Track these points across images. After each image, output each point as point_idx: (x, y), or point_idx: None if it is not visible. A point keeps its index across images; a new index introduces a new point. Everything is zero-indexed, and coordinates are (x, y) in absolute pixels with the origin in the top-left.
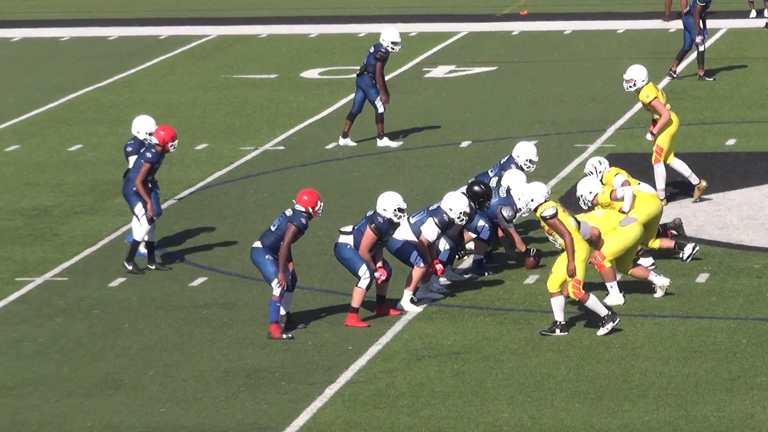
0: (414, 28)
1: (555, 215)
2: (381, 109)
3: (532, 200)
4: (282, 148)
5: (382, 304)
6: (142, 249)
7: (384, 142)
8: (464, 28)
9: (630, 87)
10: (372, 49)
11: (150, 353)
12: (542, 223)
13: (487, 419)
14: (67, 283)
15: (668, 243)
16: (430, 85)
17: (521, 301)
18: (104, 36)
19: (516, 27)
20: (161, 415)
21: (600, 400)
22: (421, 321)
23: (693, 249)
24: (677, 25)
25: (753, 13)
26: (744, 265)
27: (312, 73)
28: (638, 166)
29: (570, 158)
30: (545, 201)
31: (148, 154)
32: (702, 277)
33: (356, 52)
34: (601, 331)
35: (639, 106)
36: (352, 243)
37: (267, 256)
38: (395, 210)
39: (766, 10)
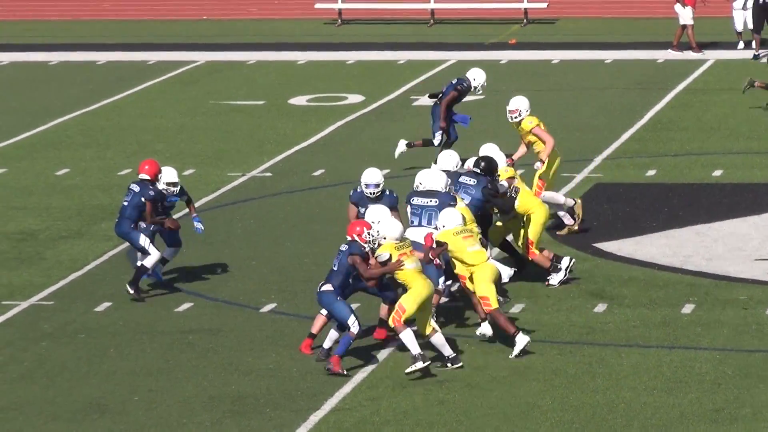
0: (402, 56)
1: (387, 260)
2: (436, 141)
3: (385, 238)
4: (269, 174)
5: (382, 328)
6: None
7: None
8: (453, 56)
9: (515, 117)
10: (455, 80)
11: (135, 378)
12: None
13: None
14: (53, 307)
15: (545, 260)
16: (417, 113)
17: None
18: (93, 60)
19: (504, 56)
20: None
21: (584, 430)
22: (407, 349)
23: (570, 261)
24: (671, 55)
25: (741, 45)
26: (730, 296)
27: (300, 100)
28: (625, 196)
29: (557, 188)
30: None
31: (151, 192)
32: (688, 308)
33: (344, 79)
34: (409, 369)
35: (627, 136)
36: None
37: (338, 298)
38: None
39: (754, 42)
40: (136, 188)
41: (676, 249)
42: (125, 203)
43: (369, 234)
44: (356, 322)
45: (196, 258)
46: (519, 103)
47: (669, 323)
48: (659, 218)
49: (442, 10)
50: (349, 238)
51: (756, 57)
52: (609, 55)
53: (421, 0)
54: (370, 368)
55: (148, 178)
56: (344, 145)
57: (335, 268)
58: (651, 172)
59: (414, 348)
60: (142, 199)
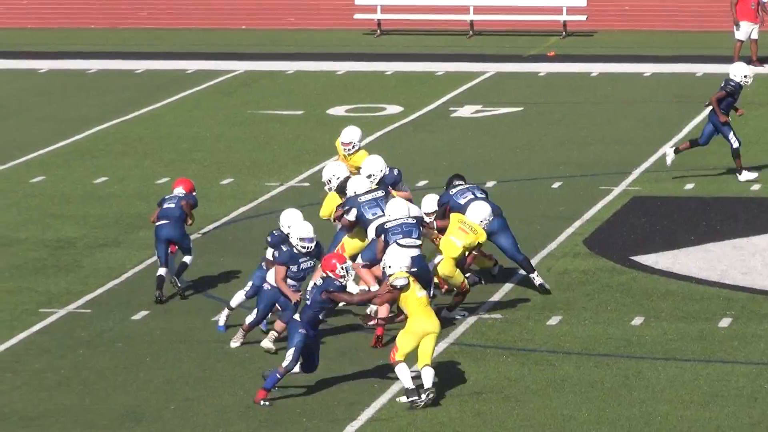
0: (441, 67)
1: (403, 288)
2: (735, 144)
3: (389, 266)
4: (307, 184)
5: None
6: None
7: (744, 176)
8: (491, 68)
9: (349, 150)
10: (722, 83)
11: (172, 387)
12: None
13: None
14: (90, 315)
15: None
16: (456, 124)
17: (543, 341)
18: (131, 69)
19: (543, 68)
20: None
21: None
22: (443, 360)
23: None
24: (704, 68)
25: None
26: (767, 310)
27: (338, 110)
28: (663, 210)
29: (595, 200)
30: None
31: (192, 202)
32: (725, 322)
33: (383, 90)
34: (401, 399)
35: (665, 149)
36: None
37: (300, 330)
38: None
39: None
40: (181, 194)
41: (713, 263)
42: (171, 205)
43: (343, 268)
44: (291, 362)
45: (232, 267)
46: (353, 135)
47: (706, 337)
48: (697, 232)
49: (482, 22)
50: (323, 274)
51: None
52: (648, 68)
53: (461, 11)
54: None
55: (184, 192)
56: (382, 156)
57: (308, 302)
58: (689, 186)
59: (407, 383)
60: (188, 202)
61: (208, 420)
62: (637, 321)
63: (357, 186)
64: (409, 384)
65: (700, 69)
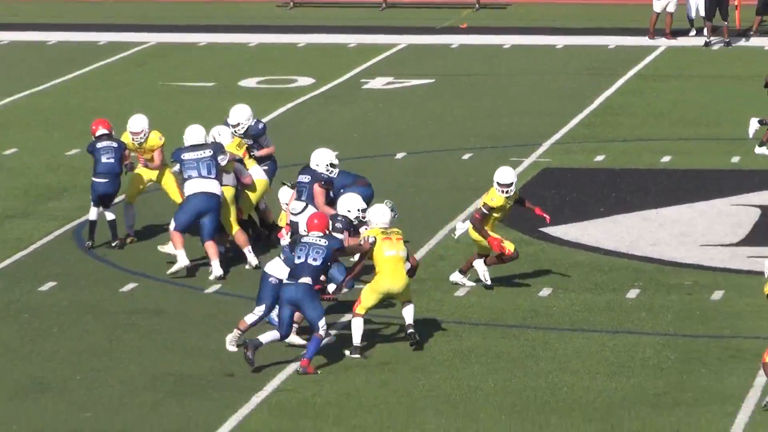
0: (353, 39)
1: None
2: None
3: (369, 221)
4: None
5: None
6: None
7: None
8: (404, 40)
9: (140, 138)
10: None
11: (78, 358)
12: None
13: (414, 430)
14: None
15: None
16: (367, 96)
17: (451, 312)
18: (43, 41)
19: (455, 40)
20: (87, 421)
21: (526, 414)
22: (349, 331)
23: None
24: (617, 41)
25: (693, 32)
26: (675, 281)
27: (250, 82)
28: (573, 182)
29: None
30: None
31: (126, 152)
32: (632, 293)
33: (295, 62)
34: (347, 352)
35: (576, 121)
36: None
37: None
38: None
39: (705, 29)
40: (114, 144)
41: (622, 234)
42: (111, 160)
43: (335, 226)
44: (326, 327)
45: (140, 238)
46: (143, 123)
47: (613, 308)
48: (606, 203)
49: None
50: (320, 234)
51: (707, 44)
52: (560, 41)
53: None
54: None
55: (107, 132)
56: (292, 127)
57: (316, 264)
58: (599, 158)
59: (356, 339)
60: (123, 152)
61: (114, 391)
62: (545, 292)
63: (191, 136)
64: (357, 341)
65: (612, 41)
